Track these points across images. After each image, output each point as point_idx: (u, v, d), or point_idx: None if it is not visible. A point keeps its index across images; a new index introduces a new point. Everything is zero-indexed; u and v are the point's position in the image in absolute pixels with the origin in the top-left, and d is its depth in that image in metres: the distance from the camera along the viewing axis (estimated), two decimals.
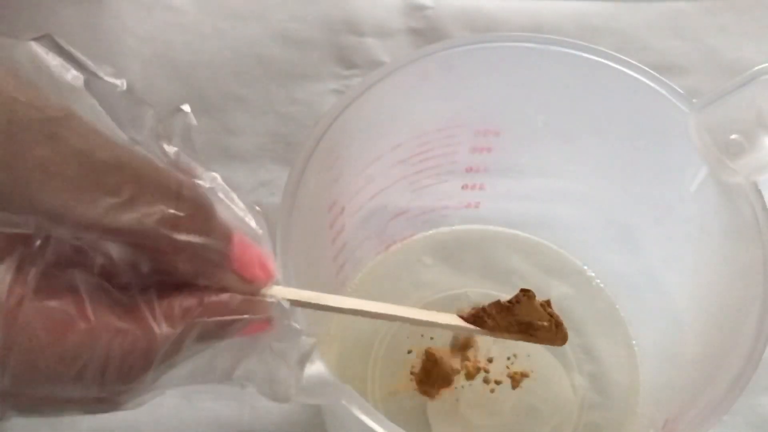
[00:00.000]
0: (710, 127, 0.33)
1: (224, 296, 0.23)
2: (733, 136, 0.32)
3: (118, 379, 0.21)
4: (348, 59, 0.51)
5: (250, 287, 0.24)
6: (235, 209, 0.24)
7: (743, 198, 0.32)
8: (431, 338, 0.41)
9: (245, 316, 0.23)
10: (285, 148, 0.48)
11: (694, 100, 0.34)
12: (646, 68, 0.35)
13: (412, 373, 0.40)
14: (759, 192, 0.32)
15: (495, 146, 0.40)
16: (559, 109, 0.38)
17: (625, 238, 0.41)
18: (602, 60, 0.35)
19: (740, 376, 0.29)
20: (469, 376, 0.40)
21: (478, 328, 0.31)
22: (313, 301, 0.26)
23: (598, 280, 0.44)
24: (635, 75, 0.35)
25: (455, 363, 0.40)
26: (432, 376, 0.39)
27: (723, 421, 0.28)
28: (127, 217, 0.20)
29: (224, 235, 0.23)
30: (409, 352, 0.41)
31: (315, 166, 0.32)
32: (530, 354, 0.40)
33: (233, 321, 0.23)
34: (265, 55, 0.51)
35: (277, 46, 0.52)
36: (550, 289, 0.43)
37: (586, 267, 0.44)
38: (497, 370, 0.40)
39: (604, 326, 0.43)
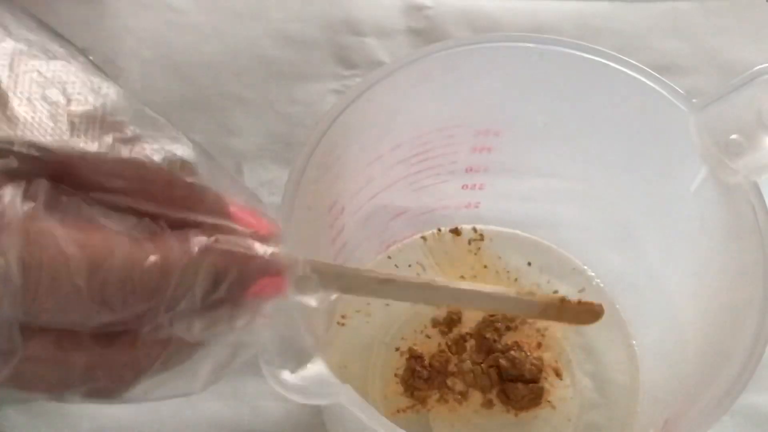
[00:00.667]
0: (710, 127, 0.33)
1: (238, 236, 0.22)
2: (733, 136, 0.32)
3: (138, 296, 0.20)
4: (348, 59, 0.51)
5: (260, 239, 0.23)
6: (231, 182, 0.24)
7: (743, 198, 0.32)
8: (428, 337, 0.41)
9: (261, 253, 0.23)
10: (285, 148, 0.48)
11: (694, 100, 0.34)
12: (646, 68, 0.35)
13: (395, 374, 0.40)
14: (759, 192, 0.32)
15: (495, 146, 0.40)
16: (559, 109, 0.38)
17: (625, 238, 0.41)
18: (602, 60, 0.35)
19: (740, 376, 0.29)
20: (459, 350, 0.40)
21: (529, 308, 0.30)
22: (333, 272, 0.26)
23: (598, 280, 0.44)
24: (635, 75, 0.35)
25: (441, 357, 0.40)
26: (419, 375, 0.39)
27: (723, 421, 0.28)
28: (133, 151, 0.20)
29: (219, 203, 0.23)
30: (410, 351, 0.41)
31: (315, 166, 0.32)
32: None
33: (249, 258, 0.22)
34: (265, 56, 0.51)
35: (277, 46, 0.51)
36: (550, 289, 0.43)
37: (586, 267, 0.44)
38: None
39: (604, 326, 0.42)
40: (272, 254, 0.23)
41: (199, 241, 0.22)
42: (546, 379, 0.40)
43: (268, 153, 0.48)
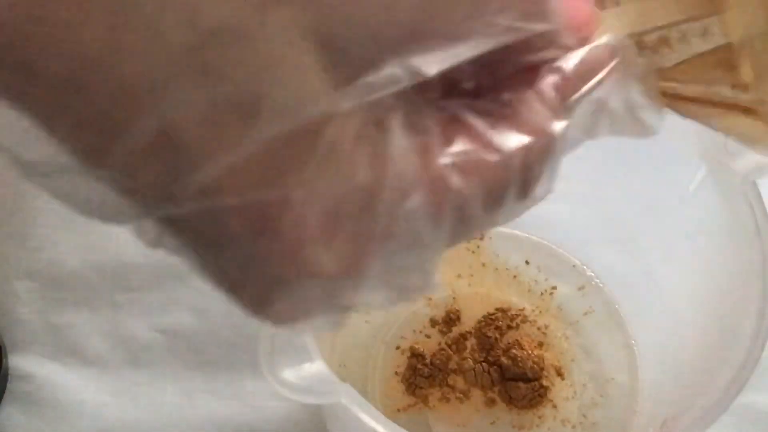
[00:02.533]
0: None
1: (578, 58, 0.21)
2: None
3: (530, 191, 0.20)
4: None
5: (587, 39, 0.22)
6: None
7: (742, 198, 0.32)
8: (427, 336, 0.41)
9: (603, 71, 0.21)
10: None
11: None
12: None
13: (396, 373, 0.40)
14: (758, 192, 0.32)
15: None
16: None
17: (624, 238, 0.41)
18: None
19: (739, 375, 0.29)
20: (460, 349, 0.40)
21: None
22: (647, 27, 0.23)
23: (598, 280, 0.44)
24: None
25: (442, 355, 0.40)
26: (421, 373, 0.39)
27: (722, 420, 0.28)
28: (484, 20, 0.18)
29: None
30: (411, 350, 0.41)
31: None
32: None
33: (600, 78, 0.21)
34: None
35: None
36: (548, 287, 0.43)
37: (586, 267, 0.44)
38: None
39: (604, 326, 0.43)
40: (610, 53, 0.22)
41: (561, 95, 0.20)
42: (547, 377, 0.40)
43: None
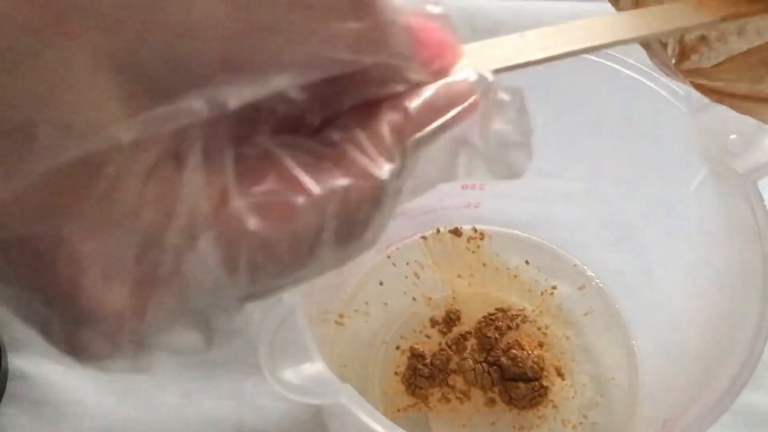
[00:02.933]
0: (709, 127, 0.33)
1: (426, 94, 0.19)
2: (732, 137, 0.32)
3: (352, 238, 0.18)
4: None
5: (442, 73, 0.20)
6: None
7: (742, 198, 0.32)
8: (427, 336, 0.41)
9: (457, 108, 0.19)
10: None
11: (693, 101, 0.34)
12: (647, 68, 0.35)
13: (396, 373, 0.40)
14: (758, 192, 0.32)
15: None
16: (559, 109, 0.38)
17: (624, 238, 0.41)
18: (602, 60, 0.35)
19: (739, 376, 0.29)
20: (460, 349, 0.40)
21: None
22: (520, 61, 0.22)
23: (598, 280, 0.44)
24: (635, 75, 0.35)
25: (442, 356, 0.40)
26: (421, 373, 0.39)
27: (722, 420, 0.28)
28: (305, 51, 0.16)
29: (404, 27, 0.18)
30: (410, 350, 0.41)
31: None
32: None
33: (446, 121, 0.19)
34: None
35: None
36: (548, 287, 0.43)
37: (586, 267, 0.44)
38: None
39: (603, 326, 0.43)
40: (466, 90, 0.20)
41: (397, 136, 0.18)
42: (547, 378, 0.40)
43: None
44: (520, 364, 0.39)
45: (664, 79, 0.35)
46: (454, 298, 0.43)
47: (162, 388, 0.40)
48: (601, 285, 0.43)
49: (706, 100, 0.33)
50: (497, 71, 0.21)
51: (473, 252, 0.44)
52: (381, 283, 0.43)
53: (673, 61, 0.26)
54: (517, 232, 0.45)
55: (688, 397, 0.33)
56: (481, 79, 0.20)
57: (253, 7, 0.16)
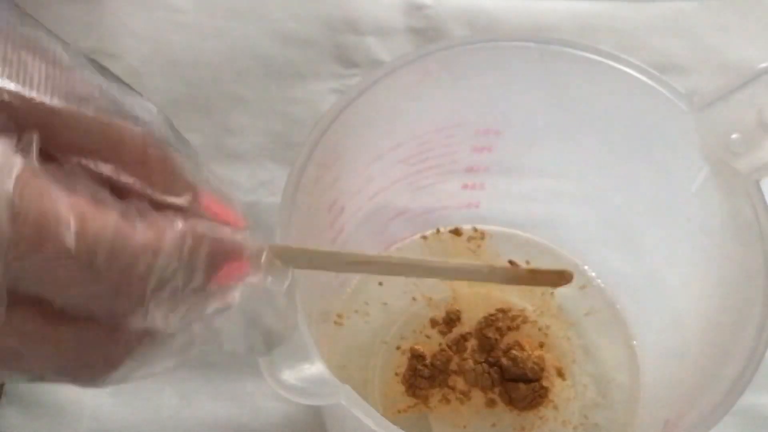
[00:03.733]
0: (711, 126, 0.33)
1: (209, 223, 0.21)
2: (734, 136, 0.32)
3: (126, 275, 0.19)
4: (348, 58, 0.51)
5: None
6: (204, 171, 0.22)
7: (744, 198, 0.32)
8: (428, 337, 0.41)
9: (235, 240, 0.22)
10: (285, 148, 0.48)
11: (694, 100, 0.33)
12: (647, 67, 0.35)
13: (396, 374, 0.40)
14: (760, 191, 0.32)
15: (495, 146, 0.40)
16: (560, 109, 0.38)
17: (625, 238, 0.41)
18: (602, 59, 0.35)
19: (741, 376, 0.29)
20: (460, 349, 0.40)
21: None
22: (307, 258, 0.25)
23: (599, 280, 0.43)
24: (635, 74, 0.35)
25: (443, 356, 0.40)
26: (421, 374, 0.39)
27: (724, 421, 0.28)
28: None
29: (190, 188, 0.21)
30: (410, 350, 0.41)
31: (315, 166, 0.32)
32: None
33: (227, 245, 0.21)
34: (265, 55, 0.51)
35: (277, 46, 0.51)
36: (550, 289, 0.43)
37: (586, 267, 0.44)
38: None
39: (604, 326, 0.42)
40: (243, 239, 0.22)
41: (191, 225, 0.20)
42: (548, 378, 0.40)
43: (268, 153, 0.48)
44: (521, 365, 0.39)
45: (665, 77, 0.34)
46: (454, 298, 0.42)
47: (161, 389, 0.40)
48: (602, 285, 0.43)
49: (708, 98, 0.33)
50: (282, 252, 0.24)
51: (473, 252, 0.44)
52: (381, 284, 0.43)
53: None
54: (517, 232, 0.45)
55: (690, 397, 0.32)
56: (262, 247, 0.23)
57: None
